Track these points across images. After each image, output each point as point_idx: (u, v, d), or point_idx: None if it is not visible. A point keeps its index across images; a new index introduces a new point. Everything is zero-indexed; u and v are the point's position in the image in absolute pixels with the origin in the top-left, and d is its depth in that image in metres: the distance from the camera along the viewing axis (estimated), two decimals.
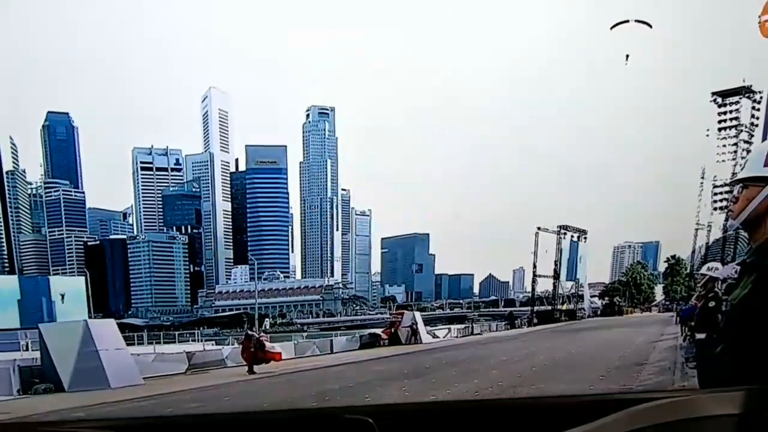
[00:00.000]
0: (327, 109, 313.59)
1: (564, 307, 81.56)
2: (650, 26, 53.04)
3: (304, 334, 69.50)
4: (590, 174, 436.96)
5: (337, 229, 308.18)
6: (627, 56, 55.73)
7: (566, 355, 21.30)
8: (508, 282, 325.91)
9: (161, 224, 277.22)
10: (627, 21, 51.12)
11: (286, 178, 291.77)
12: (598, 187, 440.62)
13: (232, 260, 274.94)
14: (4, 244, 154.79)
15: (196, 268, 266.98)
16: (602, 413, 1.04)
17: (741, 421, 0.95)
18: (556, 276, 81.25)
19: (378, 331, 38.89)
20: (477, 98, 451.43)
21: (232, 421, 1.35)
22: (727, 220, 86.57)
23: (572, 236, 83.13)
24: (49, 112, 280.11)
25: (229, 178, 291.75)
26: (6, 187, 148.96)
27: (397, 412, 1.32)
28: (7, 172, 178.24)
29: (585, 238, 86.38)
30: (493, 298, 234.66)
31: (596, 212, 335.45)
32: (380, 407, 1.35)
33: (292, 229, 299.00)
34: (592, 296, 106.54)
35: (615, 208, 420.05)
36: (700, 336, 8.36)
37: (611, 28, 52.07)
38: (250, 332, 22.34)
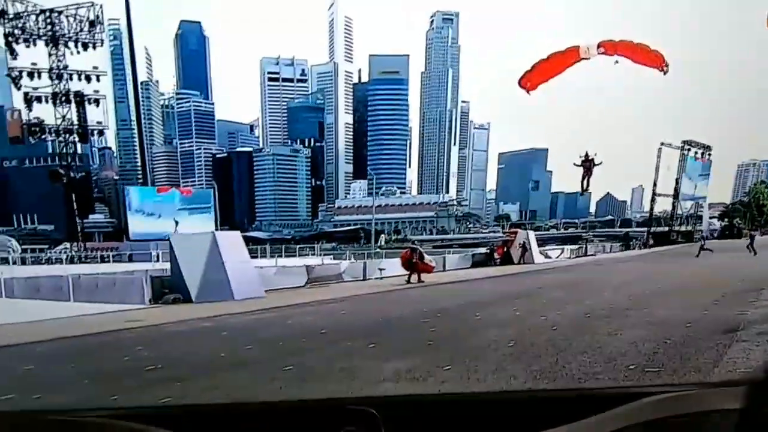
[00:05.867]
0: (451, 15, 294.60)
1: (681, 228, 77.91)
2: None
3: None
4: (717, 86, 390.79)
5: (455, 144, 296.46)
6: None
7: (680, 279, 20.72)
8: (626, 201, 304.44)
9: (285, 137, 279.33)
10: None
11: (407, 90, 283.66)
12: (725, 100, 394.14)
13: (351, 174, 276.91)
14: (138, 156, 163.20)
15: (317, 182, 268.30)
16: (604, 407, 1.04)
17: (742, 416, 0.96)
18: (676, 195, 76.20)
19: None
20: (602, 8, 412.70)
21: (235, 410, 1.35)
22: None
23: (696, 152, 76.80)
24: (182, 21, 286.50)
25: (351, 90, 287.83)
26: (140, 99, 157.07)
27: (399, 403, 1.34)
28: (141, 83, 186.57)
29: (710, 154, 79.43)
30: (609, 217, 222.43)
31: (721, 126, 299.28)
32: (383, 399, 1.38)
33: (410, 143, 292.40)
34: (711, 217, 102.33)
35: (741, 122, 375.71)
36: None
37: None
38: (413, 245, 25.18)
